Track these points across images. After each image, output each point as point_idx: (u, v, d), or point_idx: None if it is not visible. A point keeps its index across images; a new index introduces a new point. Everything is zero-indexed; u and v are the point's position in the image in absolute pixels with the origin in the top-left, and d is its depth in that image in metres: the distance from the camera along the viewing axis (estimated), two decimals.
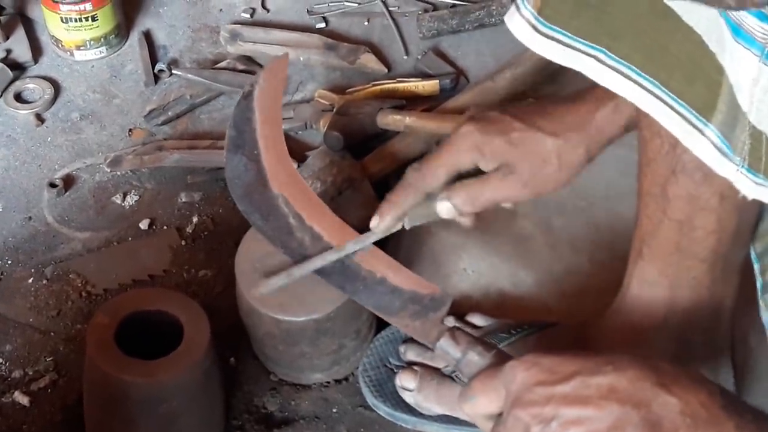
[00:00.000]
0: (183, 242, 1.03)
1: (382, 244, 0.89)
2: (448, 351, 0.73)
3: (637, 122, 0.75)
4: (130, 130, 1.12)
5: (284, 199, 0.83)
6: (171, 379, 0.81)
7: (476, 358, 0.71)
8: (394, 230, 0.82)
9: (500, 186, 0.78)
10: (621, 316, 0.81)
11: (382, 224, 0.81)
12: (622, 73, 0.64)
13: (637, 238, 0.79)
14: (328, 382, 0.93)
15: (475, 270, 0.98)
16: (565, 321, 0.90)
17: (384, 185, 1.04)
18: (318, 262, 0.82)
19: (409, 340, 0.92)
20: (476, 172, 0.79)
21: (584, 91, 0.78)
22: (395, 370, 0.90)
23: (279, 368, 0.93)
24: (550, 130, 0.77)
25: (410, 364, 0.89)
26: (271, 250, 0.84)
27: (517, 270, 0.98)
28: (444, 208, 0.79)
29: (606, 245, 0.99)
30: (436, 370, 0.87)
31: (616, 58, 0.63)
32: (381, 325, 0.94)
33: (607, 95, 0.76)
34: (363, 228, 0.90)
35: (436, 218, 0.81)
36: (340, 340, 0.89)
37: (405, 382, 0.87)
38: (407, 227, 0.82)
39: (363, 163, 1.05)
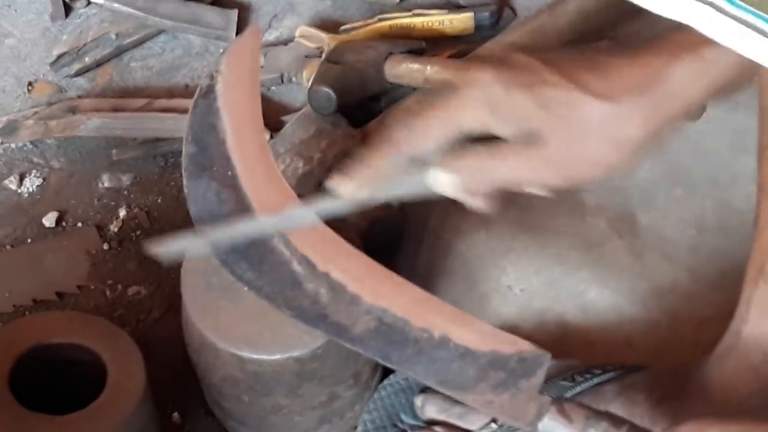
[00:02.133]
0: (106, 246, 1.04)
1: (388, 254, 0.90)
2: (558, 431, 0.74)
3: (742, 86, 0.76)
4: (30, 83, 1.13)
5: (282, 238, 0.82)
6: None
7: None
8: (366, 201, 0.82)
9: (519, 162, 0.77)
10: (734, 358, 0.82)
11: (347, 188, 0.81)
12: (749, 25, 0.64)
13: (757, 249, 0.79)
14: None
15: (525, 288, 0.99)
16: (655, 363, 0.91)
17: None
18: (247, 227, 0.82)
19: (429, 390, 0.92)
20: (488, 138, 0.79)
21: (656, 40, 0.78)
22: None
23: (244, 429, 0.94)
24: (597, 90, 0.76)
25: (430, 424, 0.90)
26: None
27: (585, 287, 0.99)
28: (443, 182, 0.79)
29: (713, 254, 0.99)
30: None
31: (741, 4, 0.64)
32: (389, 367, 0.95)
33: (686, 46, 0.76)
34: (367, 232, 0.91)
35: (429, 194, 0.81)
36: (332, 388, 0.90)
37: None
38: (388, 200, 0.82)
39: (364, 133, 1.05)
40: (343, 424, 0.94)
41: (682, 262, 0.99)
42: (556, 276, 0.99)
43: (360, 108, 1.08)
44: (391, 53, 1.08)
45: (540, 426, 0.74)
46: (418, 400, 0.91)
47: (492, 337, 0.80)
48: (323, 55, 1.10)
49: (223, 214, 0.82)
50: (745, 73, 0.77)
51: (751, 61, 0.77)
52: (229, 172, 0.82)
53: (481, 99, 0.77)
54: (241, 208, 0.83)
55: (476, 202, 0.80)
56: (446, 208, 1.01)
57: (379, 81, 1.08)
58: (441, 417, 0.89)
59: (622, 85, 0.76)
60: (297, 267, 0.80)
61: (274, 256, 0.81)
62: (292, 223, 0.80)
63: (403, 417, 0.92)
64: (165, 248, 0.82)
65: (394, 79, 1.08)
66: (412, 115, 0.80)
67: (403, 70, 1.07)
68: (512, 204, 1.01)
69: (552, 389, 0.88)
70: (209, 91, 0.84)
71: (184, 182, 0.84)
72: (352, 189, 0.80)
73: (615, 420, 0.73)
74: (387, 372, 0.94)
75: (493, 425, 0.87)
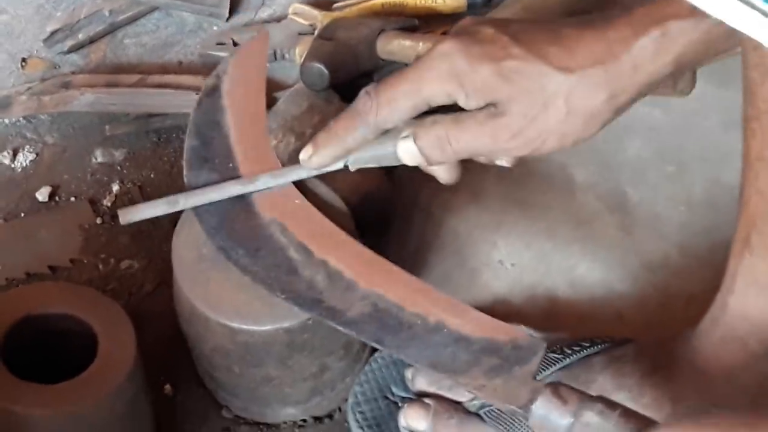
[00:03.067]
0: (99, 220, 1.04)
1: (379, 229, 0.90)
2: (552, 416, 0.74)
3: (724, 55, 0.76)
4: (24, 59, 1.13)
5: (280, 226, 0.83)
6: (80, 412, 0.82)
7: (596, 420, 0.72)
8: (330, 169, 0.84)
9: (482, 132, 0.79)
10: (720, 329, 0.82)
11: (314, 158, 0.83)
12: None
13: (743, 221, 0.80)
14: (305, 420, 0.94)
15: (516, 263, 0.99)
16: (642, 336, 0.91)
17: None
18: (214, 194, 0.83)
19: None
20: (454, 109, 0.81)
21: (622, 14, 0.79)
22: (399, 404, 0.91)
23: (235, 400, 0.94)
24: (560, 63, 0.78)
25: (420, 396, 0.90)
26: None
27: (575, 262, 0.99)
28: (406, 151, 0.81)
29: (703, 230, 1.00)
30: (457, 404, 0.89)
31: None
32: None
33: (651, 20, 0.77)
34: (358, 207, 0.91)
35: (394, 162, 0.83)
36: (322, 359, 0.90)
37: (413, 421, 0.88)
38: (351, 168, 0.84)
39: None
40: (334, 396, 0.94)
41: (672, 238, 1.00)
42: (547, 251, 1.00)
43: (352, 84, 1.08)
44: (383, 30, 1.08)
45: (534, 408, 0.74)
46: (409, 373, 0.92)
47: (488, 324, 0.81)
48: (316, 32, 1.10)
49: (222, 206, 0.83)
50: (711, 48, 0.78)
51: (718, 37, 0.78)
52: (231, 164, 0.84)
53: (446, 70, 0.79)
54: (240, 198, 0.84)
55: (438, 172, 0.83)
56: (437, 183, 1.02)
57: (372, 58, 1.08)
58: (431, 389, 0.90)
59: (585, 58, 0.77)
60: (294, 254, 0.82)
61: (270, 243, 0.83)
62: (262, 186, 0.83)
63: (394, 389, 0.92)
64: (135, 214, 0.83)
65: (386, 55, 1.08)
66: (377, 86, 0.81)
67: (396, 46, 1.07)
68: (502, 179, 1.02)
69: (542, 362, 0.88)
70: (214, 89, 0.85)
71: (185, 173, 0.85)
72: (319, 161, 0.82)
73: (609, 403, 0.73)
74: None
75: (476, 402, 0.87)
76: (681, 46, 0.77)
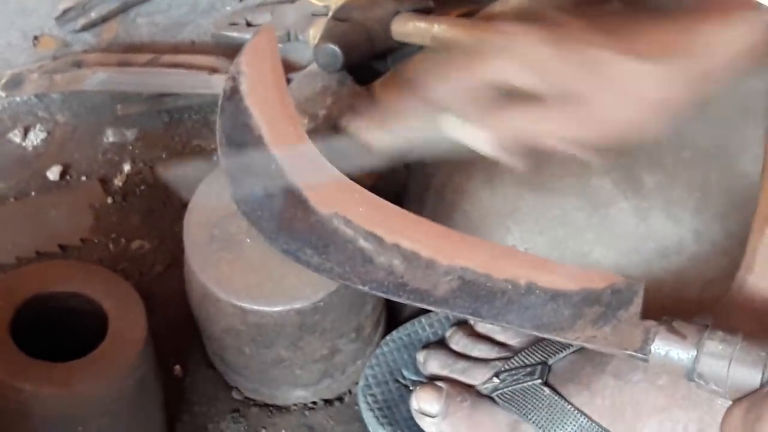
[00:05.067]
0: (110, 200, 1.04)
1: None
2: (673, 353, 0.73)
3: None
4: (36, 37, 1.13)
5: (343, 219, 0.82)
6: (90, 391, 0.82)
7: (720, 348, 0.71)
8: (383, 147, 0.82)
9: (560, 120, 0.78)
10: (738, 308, 0.82)
11: (365, 131, 0.81)
12: None
13: (764, 197, 0.80)
14: (315, 403, 0.95)
15: (529, 248, 0.99)
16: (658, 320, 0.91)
17: None
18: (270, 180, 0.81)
19: (432, 346, 0.93)
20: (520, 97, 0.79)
21: (692, 4, 0.78)
22: (411, 387, 0.91)
23: (245, 382, 0.94)
24: (640, 51, 0.77)
25: (432, 379, 0.90)
26: (234, 211, 0.85)
27: (590, 248, 0.99)
28: (477, 138, 0.79)
29: (718, 216, 0.99)
30: (469, 387, 0.88)
31: None
32: (392, 322, 0.95)
33: (722, 10, 0.76)
34: (371, 190, 0.90)
35: (461, 150, 0.81)
36: (333, 341, 0.90)
37: (425, 404, 0.88)
38: (404, 149, 0.82)
39: (370, 91, 1.05)
40: (345, 379, 0.94)
41: (687, 224, 0.99)
42: (561, 236, 0.99)
43: (366, 66, 1.08)
44: (398, 12, 1.08)
45: (653, 349, 0.73)
46: (421, 356, 0.92)
47: (579, 275, 0.80)
48: (330, 13, 1.10)
49: (275, 208, 0.82)
50: None
51: None
52: (273, 166, 0.83)
53: (524, 58, 0.77)
54: (294, 199, 0.83)
55: (511, 159, 0.81)
56: (451, 166, 1.01)
57: (386, 39, 1.07)
58: (443, 372, 0.90)
59: (665, 46, 0.76)
60: (364, 243, 0.81)
61: (337, 237, 0.81)
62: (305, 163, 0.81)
63: (405, 372, 0.92)
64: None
65: (400, 37, 1.07)
66: (440, 64, 0.79)
67: (411, 28, 1.07)
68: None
69: (553, 348, 0.88)
70: (234, 93, 0.84)
71: (229, 185, 0.83)
72: (384, 140, 0.80)
73: (728, 330, 0.73)
74: (390, 327, 0.95)
75: (495, 380, 0.87)
76: (754, 36, 0.76)
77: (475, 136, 0.79)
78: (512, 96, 0.79)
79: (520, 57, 0.77)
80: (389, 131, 0.81)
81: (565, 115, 0.77)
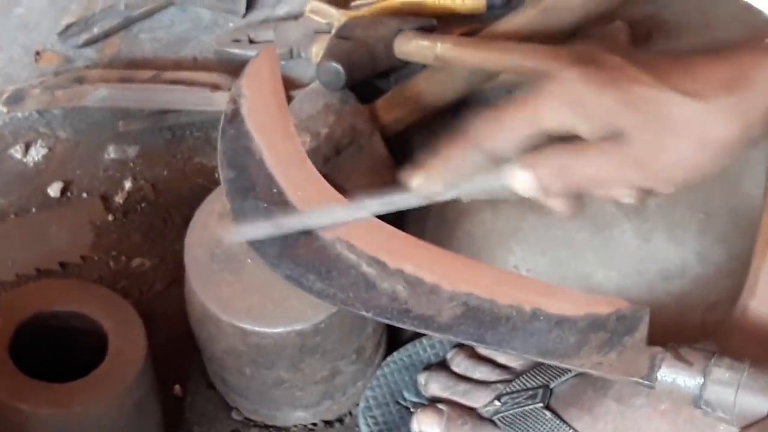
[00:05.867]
0: (110, 217, 1.04)
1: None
2: (680, 380, 0.72)
3: None
4: (38, 53, 1.13)
5: (345, 243, 0.81)
6: (89, 411, 0.82)
7: (727, 376, 0.71)
8: (440, 198, 0.81)
9: (606, 162, 0.75)
10: (741, 332, 0.81)
11: (428, 183, 0.79)
12: None
13: (767, 223, 0.79)
14: (315, 424, 0.94)
15: (531, 269, 0.99)
16: (661, 345, 0.90)
17: (402, 142, 1.04)
18: (319, 218, 0.81)
19: (433, 367, 0.92)
20: (569, 139, 0.77)
21: (740, 40, 0.77)
22: (412, 409, 0.90)
23: (245, 402, 0.94)
24: (687, 89, 0.74)
25: (433, 401, 0.90)
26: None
27: (592, 270, 0.98)
28: (522, 181, 0.77)
29: (721, 238, 0.99)
30: (470, 410, 0.88)
31: None
32: (393, 343, 0.95)
33: None
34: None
35: (505, 194, 0.80)
36: (334, 363, 0.90)
37: (425, 426, 0.88)
38: (463, 198, 0.81)
39: (373, 110, 1.05)
40: (345, 400, 0.94)
41: (690, 246, 0.99)
42: (563, 258, 0.99)
43: (369, 84, 1.08)
44: (401, 30, 1.08)
45: (659, 377, 0.73)
46: (422, 378, 0.91)
47: (584, 301, 0.79)
48: (333, 31, 1.10)
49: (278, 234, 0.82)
50: None
51: None
52: (275, 189, 0.83)
53: (570, 99, 0.75)
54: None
55: (555, 203, 0.79)
56: None
57: (389, 57, 1.07)
58: (445, 395, 0.89)
59: (712, 85, 0.74)
60: (367, 269, 0.80)
61: (340, 262, 0.81)
62: (353, 216, 0.81)
63: (406, 394, 0.92)
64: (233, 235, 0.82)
65: (403, 56, 1.07)
66: (493, 112, 0.78)
67: (413, 47, 1.07)
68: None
69: (557, 369, 0.88)
70: (235, 116, 0.84)
71: (230, 207, 0.83)
72: (431, 187, 0.80)
73: (735, 356, 0.72)
74: (390, 349, 0.94)
75: (497, 403, 0.87)
76: None
77: (520, 179, 0.77)
78: (562, 139, 0.77)
79: (570, 101, 0.75)
80: (449, 184, 0.80)
81: (609, 157, 0.75)
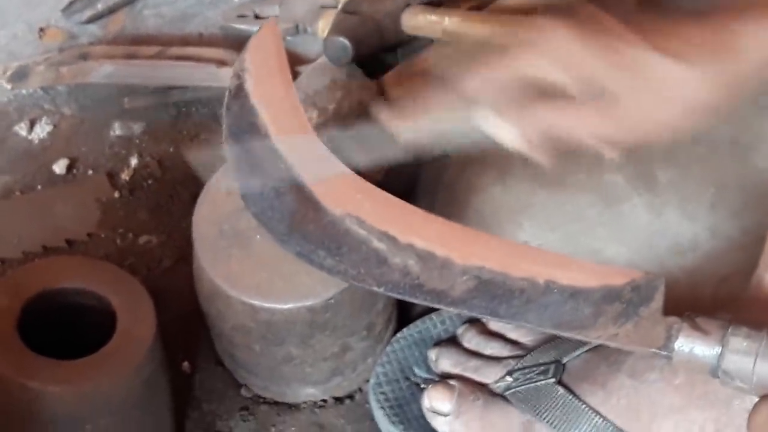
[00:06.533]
0: (117, 194, 1.04)
1: None
2: (697, 350, 0.72)
3: None
4: (42, 29, 1.13)
5: (355, 219, 0.80)
6: (98, 389, 0.82)
7: (745, 345, 0.70)
8: (413, 139, 0.81)
9: (592, 118, 0.76)
10: (755, 307, 0.81)
11: (405, 127, 0.79)
12: None
13: None
14: (325, 401, 0.94)
15: (542, 244, 0.98)
16: (677, 316, 0.90)
17: None
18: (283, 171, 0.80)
19: (443, 343, 0.92)
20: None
21: (725, 3, 0.77)
22: (422, 386, 0.90)
23: (254, 379, 0.94)
24: (677, 52, 0.75)
25: (444, 377, 0.89)
26: (243, 206, 0.84)
27: (602, 245, 0.98)
28: (505, 132, 0.78)
29: (733, 212, 0.99)
30: (482, 386, 0.88)
31: None
32: (403, 319, 0.95)
33: (757, 9, 0.75)
34: (381, 185, 0.90)
35: (488, 144, 0.80)
36: (344, 339, 0.90)
37: (436, 402, 0.88)
38: (433, 143, 0.81)
39: (380, 84, 1.05)
40: (355, 377, 0.93)
41: (702, 220, 0.99)
42: (573, 233, 0.99)
43: (376, 59, 1.07)
44: (408, 4, 1.07)
45: (677, 347, 0.72)
46: (433, 354, 0.91)
47: (599, 272, 0.78)
48: (339, 5, 1.09)
49: (286, 209, 0.81)
50: None
51: None
52: (282, 165, 0.82)
53: (557, 55, 0.76)
54: (305, 199, 0.81)
55: (537, 155, 0.79)
56: (462, 162, 1.01)
57: (396, 32, 1.07)
58: (456, 370, 0.89)
59: (702, 48, 0.75)
60: (378, 244, 0.79)
61: (350, 238, 0.79)
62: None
63: (416, 370, 0.92)
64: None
65: (411, 30, 1.07)
66: (471, 57, 0.78)
67: (421, 21, 1.07)
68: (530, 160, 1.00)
69: (565, 347, 0.87)
70: (239, 91, 0.83)
71: (238, 186, 0.82)
72: (411, 133, 0.80)
73: (754, 325, 0.72)
74: (401, 324, 0.94)
75: (508, 378, 0.87)
76: None
77: (504, 129, 0.78)
78: (543, 91, 0.77)
79: (552, 52, 0.76)
80: (419, 122, 0.80)
81: (597, 113, 0.76)
